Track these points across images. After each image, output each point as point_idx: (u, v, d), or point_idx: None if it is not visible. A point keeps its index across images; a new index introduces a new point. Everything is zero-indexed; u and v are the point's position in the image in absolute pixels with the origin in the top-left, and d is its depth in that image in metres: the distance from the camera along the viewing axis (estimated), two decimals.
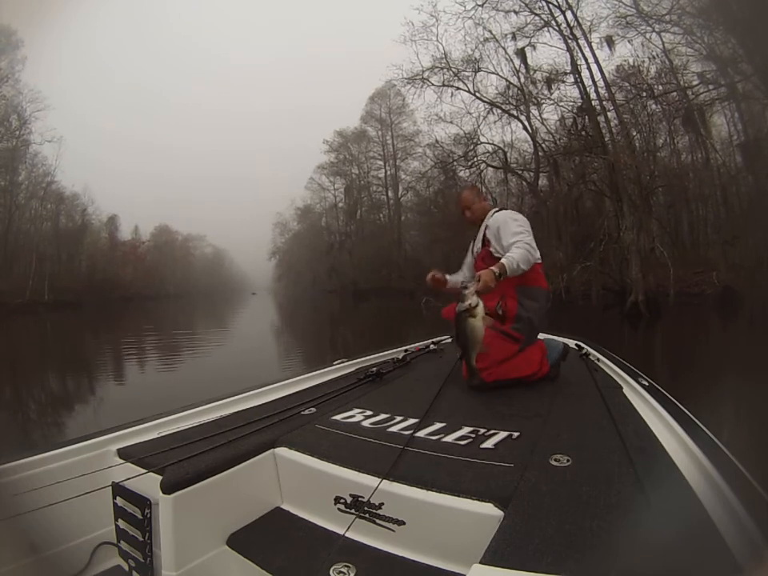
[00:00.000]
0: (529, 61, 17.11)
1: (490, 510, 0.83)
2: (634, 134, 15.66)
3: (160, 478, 0.98)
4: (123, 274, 41.62)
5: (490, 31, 16.95)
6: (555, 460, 0.97)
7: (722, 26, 13.29)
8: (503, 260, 1.71)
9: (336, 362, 2.13)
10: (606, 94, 14.59)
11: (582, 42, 14.90)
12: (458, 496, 0.88)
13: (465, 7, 16.62)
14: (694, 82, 14.75)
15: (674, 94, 15.17)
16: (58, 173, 31.54)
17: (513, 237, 1.79)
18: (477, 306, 1.56)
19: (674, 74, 15.23)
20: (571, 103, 16.30)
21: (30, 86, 27.92)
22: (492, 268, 1.68)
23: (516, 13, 16.27)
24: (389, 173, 34.13)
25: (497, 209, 2.01)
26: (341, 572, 0.86)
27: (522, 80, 17.52)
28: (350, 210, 36.06)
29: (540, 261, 1.85)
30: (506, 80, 17.66)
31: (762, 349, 6.09)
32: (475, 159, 18.73)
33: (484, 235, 1.96)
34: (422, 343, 2.53)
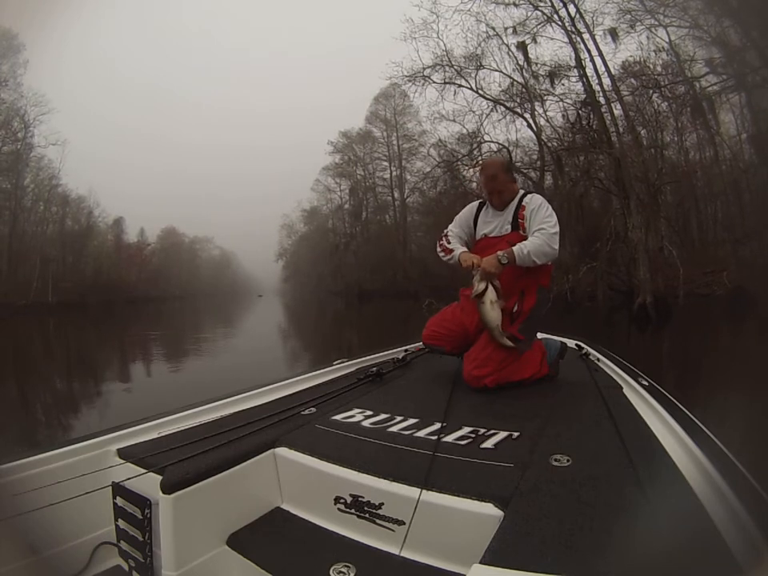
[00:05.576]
0: (531, 56, 16.83)
1: (490, 510, 0.83)
2: (641, 130, 15.47)
3: (160, 477, 0.99)
4: (128, 276, 41.87)
5: (493, 28, 16.72)
6: (555, 460, 0.96)
7: (727, 16, 13.09)
8: (514, 247, 1.64)
9: (336, 362, 2.13)
10: (611, 87, 14.40)
11: (585, 35, 14.66)
12: (458, 496, 0.87)
13: None
14: (701, 73, 14.54)
15: (681, 88, 14.95)
16: (63, 175, 31.90)
17: (538, 225, 1.69)
18: (484, 291, 1.61)
19: (680, 66, 14.99)
20: (574, 96, 16.05)
21: (33, 90, 28.20)
22: (498, 252, 1.63)
23: (516, 5, 15.98)
24: (394, 174, 34.08)
25: (524, 191, 1.85)
26: (341, 572, 0.86)
27: (526, 76, 17.30)
28: (354, 211, 36.02)
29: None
30: (509, 77, 17.44)
31: None
32: (480, 158, 18.59)
33: (517, 217, 1.79)
34: (422, 343, 2.52)
